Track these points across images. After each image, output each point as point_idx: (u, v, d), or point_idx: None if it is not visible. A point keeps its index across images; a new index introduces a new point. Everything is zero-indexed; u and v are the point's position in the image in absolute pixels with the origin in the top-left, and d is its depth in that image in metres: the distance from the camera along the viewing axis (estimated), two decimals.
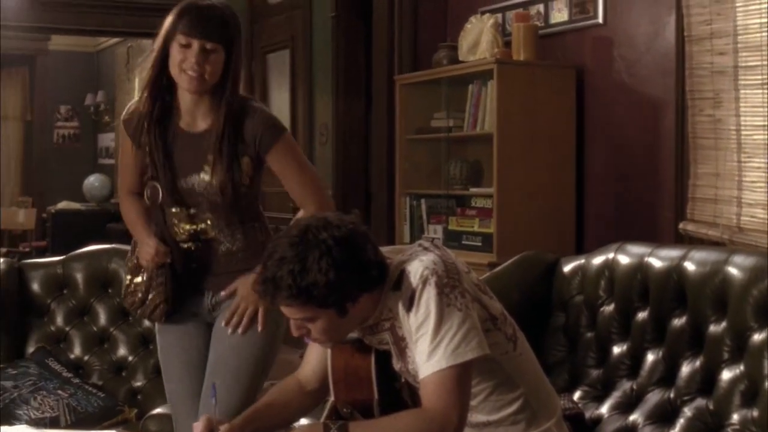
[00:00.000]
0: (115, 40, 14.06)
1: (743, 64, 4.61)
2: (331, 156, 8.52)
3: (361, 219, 2.78)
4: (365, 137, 8.31)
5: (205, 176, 3.38)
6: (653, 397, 3.11)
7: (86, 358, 4.24)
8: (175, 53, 3.31)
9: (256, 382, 3.45)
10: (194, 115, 3.42)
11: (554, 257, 3.65)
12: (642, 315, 3.22)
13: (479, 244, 5.93)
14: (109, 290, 4.37)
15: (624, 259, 3.34)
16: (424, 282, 2.60)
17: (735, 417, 2.85)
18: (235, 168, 3.37)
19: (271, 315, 3.40)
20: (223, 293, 3.46)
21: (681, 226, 5.04)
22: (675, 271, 3.12)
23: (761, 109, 4.50)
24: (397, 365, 2.77)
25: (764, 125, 4.49)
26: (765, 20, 4.46)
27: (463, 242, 6.06)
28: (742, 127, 4.63)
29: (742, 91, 4.63)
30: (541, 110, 5.80)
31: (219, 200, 3.38)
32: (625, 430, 3.11)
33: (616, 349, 3.29)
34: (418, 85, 6.63)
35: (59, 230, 11.96)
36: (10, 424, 3.40)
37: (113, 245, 4.50)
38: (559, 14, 5.98)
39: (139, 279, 3.51)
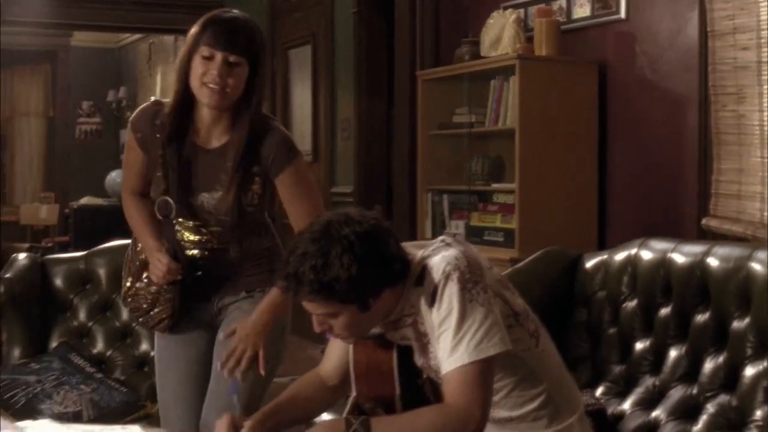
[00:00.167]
0: (136, 36, 14.09)
1: (767, 59, 4.59)
2: (353, 152, 8.52)
3: (383, 215, 2.77)
4: (387, 133, 8.30)
5: (215, 195, 3.34)
6: (676, 393, 3.10)
7: (109, 353, 4.25)
8: (197, 66, 3.22)
9: (263, 383, 3.43)
10: (211, 132, 3.35)
11: (577, 253, 3.64)
12: (665, 311, 3.21)
13: (501, 239, 5.93)
14: None
15: (647, 255, 3.33)
16: (447, 277, 2.60)
17: (758, 413, 2.84)
18: (246, 190, 3.34)
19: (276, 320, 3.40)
20: (221, 335, 3.41)
21: (704, 221, 5.02)
22: (698, 267, 3.11)
23: None
24: (419, 361, 2.76)
25: None
26: None
27: (485, 238, 6.06)
28: (766, 123, 4.61)
29: (765, 87, 4.61)
30: (564, 106, 5.79)
31: (227, 219, 3.36)
32: (648, 426, 3.11)
33: (639, 345, 3.29)
34: (440, 80, 6.62)
35: (81, 226, 11.98)
36: (33, 418, 3.40)
37: None
38: (582, 9, 5.97)
39: (140, 284, 3.48)
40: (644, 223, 5.52)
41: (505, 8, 6.35)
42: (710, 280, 3.07)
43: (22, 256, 4.36)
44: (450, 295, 2.58)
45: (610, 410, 3.21)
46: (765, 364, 2.86)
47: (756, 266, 2.96)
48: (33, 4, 9.76)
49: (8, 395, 3.75)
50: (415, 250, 2.75)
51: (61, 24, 11.12)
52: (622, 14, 5.68)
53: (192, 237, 3.42)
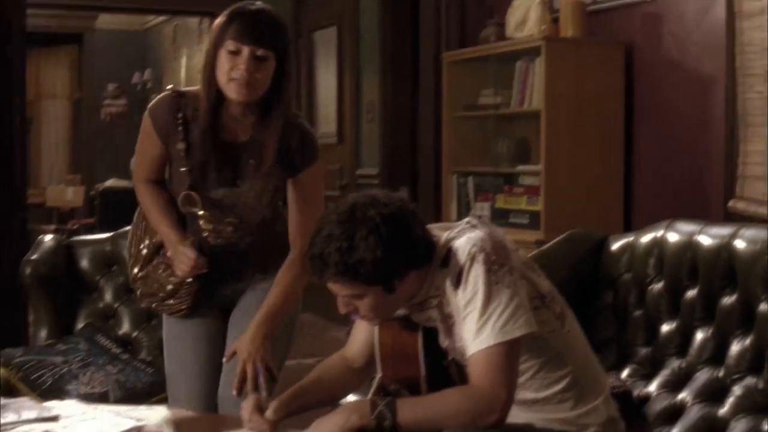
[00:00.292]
0: (161, 18, 14.10)
1: None
2: (378, 134, 8.52)
3: (409, 197, 2.77)
4: (412, 115, 8.29)
5: (236, 190, 3.33)
6: (702, 376, 3.09)
7: (135, 334, 4.26)
8: (224, 60, 3.16)
9: (280, 357, 3.44)
10: (236, 126, 3.31)
11: (602, 235, 3.63)
12: (691, 293, 3.20)
13: (526, 222, 5.92)
14: None
15: (673, 237, 3.31)
16: (472, 259, 2.60)
17: None
18: (268, 188, 3.34)
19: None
20: (224, 359, 3.37)
21: (730, 204, 5.00)
22: (725, 250, 3.10)
23: None
24: (444, 342, 2.76)
25: None
26: None
27: (511, 220, 6.05)
28: None
29: None
30: (590, 87, 5.77)
31: (246, 212, 3.36)
32: (674, 409, 3.10)
33: (665, 328, 3.27)
34: (465, 62, 6.61)
35: (107, 208, 12.02)
36: (60, 399, 3.42)
37: None
38: None
39: (148, 271, 3.47)
40: (670, 205, 5.50)
41: None
42: (737, 263, 3.05)
43: (48, 237, 4.38)
44: (475, 277, 2.58)
45: (635, 392, 3.20)
46: None
47: None
48: None
49: (35, 376, 3.77)
50: (440, 232, 2.75)
51: (87, 6, 11.16)
52: None
53: (207, 226, 3.41)
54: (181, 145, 3.32)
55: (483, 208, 6.35)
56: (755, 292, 2.98)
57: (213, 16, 7.92)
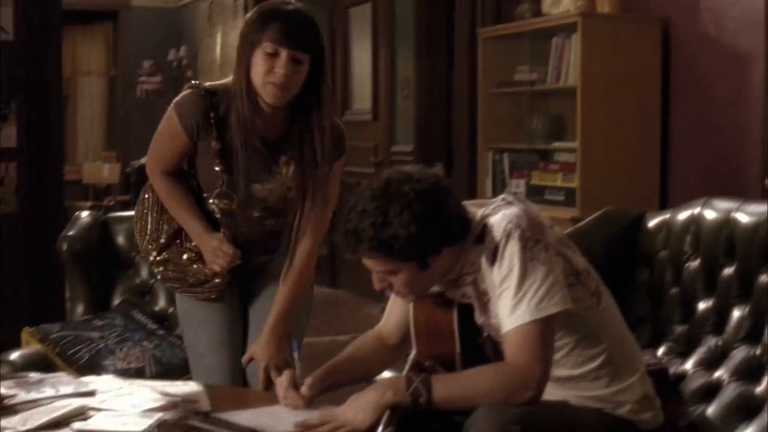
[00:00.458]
0: None
1: None
2: (413, 111, 8.51)
3: (444, 173, 2.77)
4: (447, 92, 8.27)
5: (267, 186, 3.32)
6: (739, 354, 3.07)
7: (170, 310, 4.27)
8: (260, 62, 3.10)
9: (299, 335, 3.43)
10: (268, 124, 3.26)
11: (639, 212, 3.61)
12: (728, 271, 3.18)
13: (562, 198, 5.90)
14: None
15: (710, 215, 3.29)
16: (508, 236, 2.59)
17: None
18: (297, 182, 3.32)
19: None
20: (243, 360, 3.37)
21: (767, 181, 4.97)
22: (763, 227, 3.08)
23: None
24: (479, 319, 2.76)
25: None
26: None
27: (546, 197, 6.03)
28: None
29: None
30: (626, 63, 5.75)
31: (275, 202, 3.36)
32: (710, 387, 3.08)
33: (702, 305, 3.26)
34: (500, 38, 6.59)
35: (142, 185, 11.97)
36: (97, 374, 3.44)
37: None
38: None
39: (161, 257, 3.47)
40: (706, 182, 5.47)
41: None
42: None
43: (84, 214, 4.39)
44: (511, 254, 2.58)
45: (671, 370, 3.18)
46: None
47: None
48: None
49: (72, 351, 3.79)
50: (475, 208, 2.74)
51: None
52: None
53: (237, 217, 3.40)
54: (215, 144, 3.29)
55: (518, 185, 6.34)
56: None
57: None
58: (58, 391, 2.94)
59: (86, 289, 4.22)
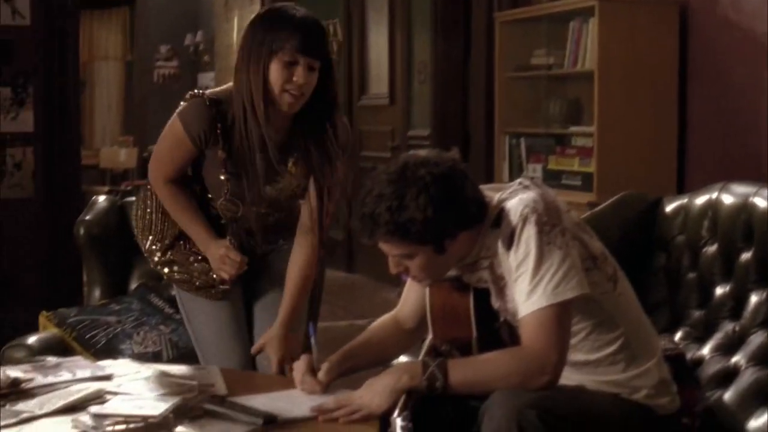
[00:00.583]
0: None
1: None
2: (430, 95, 8.48)
3: (460, 157, 2.76)
4: (464, 76, 8.24)
5: (276, 186, 3.32)
6: (756, 339, 3.07)
7: None
8: (278, 71, 3.10)
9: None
10: (275, 127, 3.25)
11: (656, 197, 3.60)
12: (746, 256, 3.17)
13: (579, 183, 5.89)
14: None
15: (728, 199, 3.28)
16: (525, 220, 2.59)
17: None
18: (303, 181, 3.33)
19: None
20: (253, 349, 3.39)
21: None
22: None
23: None
24: (496, 303, 2.76)
25: None
26: None
27: (563, 182, 6.02)
28: None
29: None
30: (643, 48, 5.72)
31: (282, 203, 3.37)
32: (727, 372, 3.08)
33: (719, 290, 3.24)
34: (517, 22, 6.57)
35: None
36: (114, 358, 3.45)
37: None
38: None
39: (164, 258, 3.49)
40: (724, 166, 5.45)
41: None
42: None
43: (101, 198, 4.40)
44: (527, 238, 2.57)
45: (688, 355, 3.18)
46: None
47: None
48: None
49: (89, 335, 3.80)
50: (492, 192, 2.74)
51: None
52: None
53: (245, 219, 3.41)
54: (221, 154, 3.29)
55: (535, 169, 6.33)
56: None
57: None
58: (75, 375, 2.95)
59: (103, 274, 4.23)
